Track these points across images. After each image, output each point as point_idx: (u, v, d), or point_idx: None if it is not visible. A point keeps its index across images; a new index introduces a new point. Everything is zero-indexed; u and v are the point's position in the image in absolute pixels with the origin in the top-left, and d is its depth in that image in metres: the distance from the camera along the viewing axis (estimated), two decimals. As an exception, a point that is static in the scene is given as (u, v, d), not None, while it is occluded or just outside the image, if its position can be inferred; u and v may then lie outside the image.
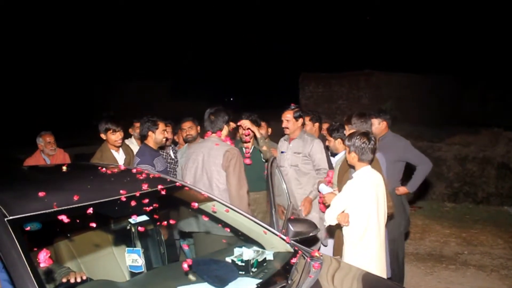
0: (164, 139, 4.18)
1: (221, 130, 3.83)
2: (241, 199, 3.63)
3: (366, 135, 3.21)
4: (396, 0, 23.45)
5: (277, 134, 6.00)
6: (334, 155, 4.36)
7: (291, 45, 28.14)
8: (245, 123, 4.26)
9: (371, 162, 3.29)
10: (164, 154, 4.58)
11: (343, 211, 3.20)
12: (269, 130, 5.17)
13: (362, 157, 3.19)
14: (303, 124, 4.55)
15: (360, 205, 3.16)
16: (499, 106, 16.33)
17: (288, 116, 4.44)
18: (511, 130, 10.14)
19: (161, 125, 4.12)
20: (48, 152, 5.32)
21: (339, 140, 4.07)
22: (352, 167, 3.38)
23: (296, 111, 4.44)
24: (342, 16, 25.64)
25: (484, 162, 9.43)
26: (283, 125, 4.50)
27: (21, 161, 5.53)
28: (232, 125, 4.10)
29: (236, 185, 3.62)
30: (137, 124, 4.99)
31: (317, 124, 4.91)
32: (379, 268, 3.20)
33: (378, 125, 4.45)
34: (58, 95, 22.71)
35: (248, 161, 4.12)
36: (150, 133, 4.06)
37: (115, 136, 4.21)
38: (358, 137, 3.19)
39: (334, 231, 3.75)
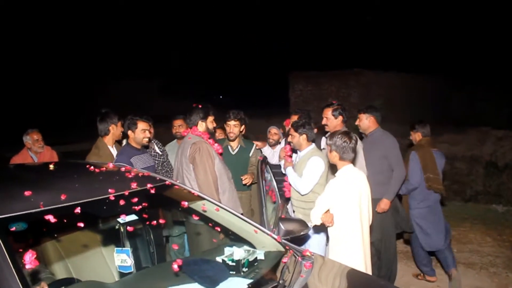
0: (146, 139, 4.12)
1: (196, 125, 4.04)
2: (209, 190, 3.72)
3: (347, 134, 3.23)
4: (387, 1, 23.57)
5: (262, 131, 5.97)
6: (295, 151, 4.42)
7: (281, 43, 28.16)
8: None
9: (353, 161, 3.30)
10: (152, 151, 4.54)
11: (327, 211, 3.20)
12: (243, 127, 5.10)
13: (343, 156, 3.20)
14: (345, 121, 4.56)
15: (343, 204, 3.17)
16: (487, 106, 16.48)
17: (327, 114, 4.51)
18: (498, 129, 10.25)
19: (141, 125, 4.07)
20: (36, 150, 5.24)
21: (304, 136, 4.07)
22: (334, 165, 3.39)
23: (335, 109, 4.48)
24: (332, 14, 25.70)
25: (472, 160, 9.52)
26: (323, 122, 4.58)
27: (8, 159, 5.41)
28: (210, 121, 4.16)
29: (203, 176, 3.78)
30: None
31: None
32: (363, 265, 3.20)
33: (365, 120, 4.55)
34: (46, 93, 22.46)
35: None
36: (130, 132, 4.10)
37: (122, 128, 4.33)
38: (339, 136, 3.20)
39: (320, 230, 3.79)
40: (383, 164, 4.36)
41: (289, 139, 4.24)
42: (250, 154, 4.78)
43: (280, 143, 5.30)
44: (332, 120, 4.48)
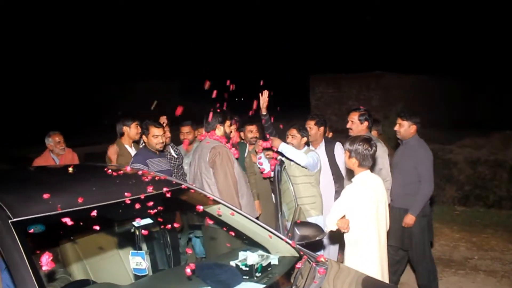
0: (159, 145, 4.20)
1: (214, 130, 4.06)
2: (229, 194, 3.78)
3: (369, 141, 3.17)
4: (408, 2, 23.28)
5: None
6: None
7: (302, 46, 28.09)
8: None
9: (371, 167, 3.26)
10: (168, 154, 4.61)
11: (343, 216, 3.17)
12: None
13: (362, 163, 3.15)
14: (370, 128, 4.52)
15: (360, 210, 3.12)
16: (511, 108, 16.10)
17: (353, 118, 4.47)
18: (523, 133, 10.02)
19: (153, 130, 4.18)
20: (58, 152, 5.33)
21: (304, 138, 4.44)
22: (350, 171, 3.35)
23: (361, 114, 4.44)
24: (352, 16, 25.52)
25: (496, 165, 9.30)
26: (348, 126, 4.52)
27: (32, 160, 5.55)
28: (227, 126, 4.20)
29: (223, 181, 3.80)
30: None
31: (322, 128, 4.81)
32: (380, 272, 3.16)
33: (407, 128, 4.33)
34: (69, 95, 22.89)
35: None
36: (144, 137, 4.27)
37: (138, 129, 4.61)
38: (360, 143, 3.13)
39: (336, 236, 3.76)
40: (413, 174, 4.22)
41: (290, 139, 4.44)
42: (245, 155, 4.86)
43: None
44: (357, 124, 4.43)
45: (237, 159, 4.16)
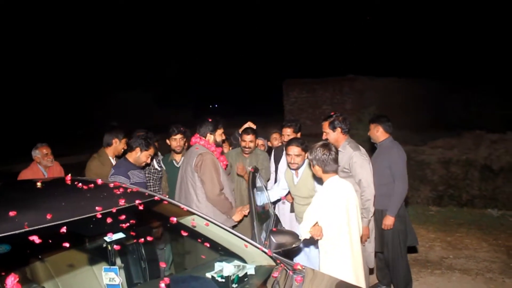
0: (144, 164, 4.20)
1: (204, 137, 4.11)
2: (216, 199, 3.89)
3: (326, 146, 3.22)
4: (380, 6, 23.69)
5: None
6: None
7: (274, 51, 28.26)
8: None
9: (336, 171, 3.28)
10: (152, 168, 4.57)
11: (315, 224, 3.17)
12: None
13: (326, 169, 3.19)
14: (346, 132, 4.21)
15: (331, 216, 3.13)
16: (481, 109, 16.53)
17: (325, 128, 4.24)
18: (493, 132, 10.26)
19: (151, 150, 4.17)
20: (46, 164, 5.13)
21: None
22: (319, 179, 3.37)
23: (330, 122, 4.18)
24: (325, 21, 25.81)
25: (467, 164, 9.50)
26: (323, 137, 4.26)
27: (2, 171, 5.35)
28: (219, 134, 4.25)
29: (209, 186, 3.88)
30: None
31: (299, 134, 4.88)
32: (355, 276, 3.17)
33: (373, 130, 4.49)
34: (41, 106, 22.42)
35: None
36: (137, 149, 4.10)
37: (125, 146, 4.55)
38: (318, 149, 3.19)
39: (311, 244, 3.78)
40: (387, 175, 4.28)
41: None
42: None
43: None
44: (330, 133, 4.20)
45: (226, 166, 4.25)
